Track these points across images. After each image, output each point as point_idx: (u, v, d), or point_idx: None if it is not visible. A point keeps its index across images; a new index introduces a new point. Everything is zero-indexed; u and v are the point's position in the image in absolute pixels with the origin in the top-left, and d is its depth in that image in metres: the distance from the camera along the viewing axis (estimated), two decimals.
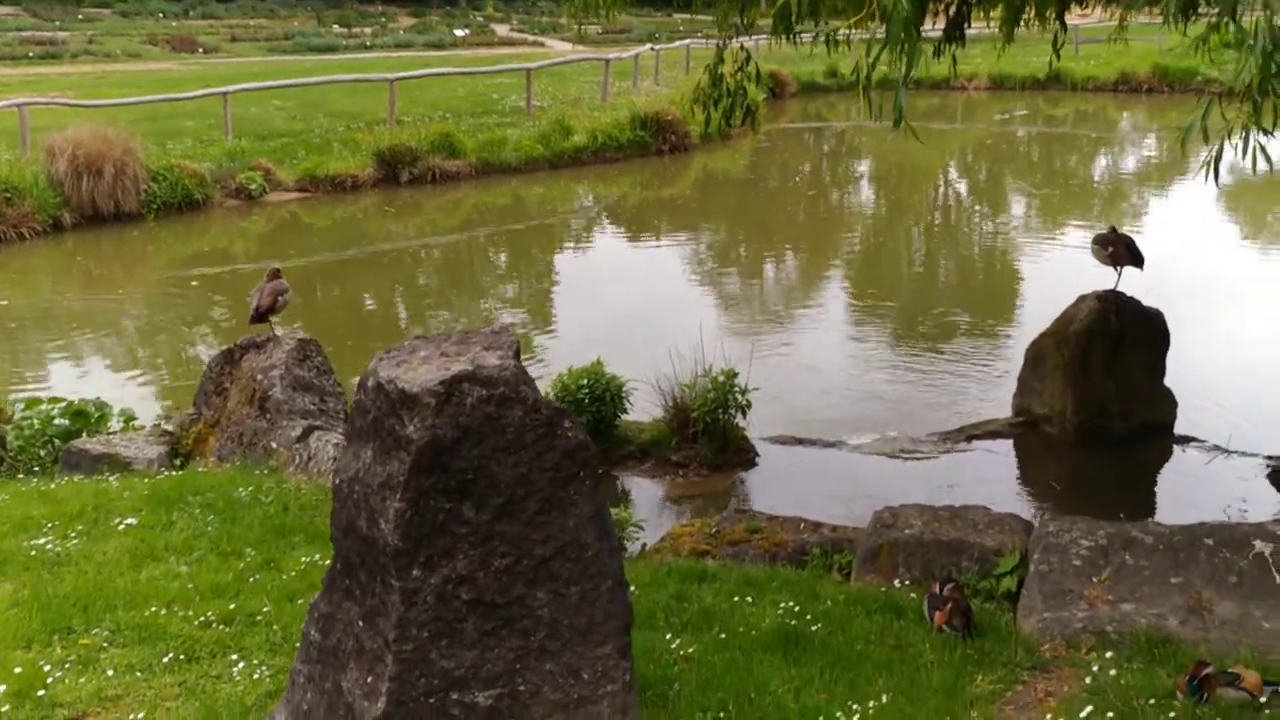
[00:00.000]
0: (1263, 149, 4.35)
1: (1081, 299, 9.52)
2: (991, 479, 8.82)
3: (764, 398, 9.24)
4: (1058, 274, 15.07)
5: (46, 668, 4.61)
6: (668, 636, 4.99)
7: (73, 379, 11.48)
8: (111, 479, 7.38)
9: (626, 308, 13.94)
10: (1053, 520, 5.71)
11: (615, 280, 15.86)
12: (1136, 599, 5.03)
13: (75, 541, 6.09)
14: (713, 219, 20.76)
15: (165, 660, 4.67)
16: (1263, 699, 4.23)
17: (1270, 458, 8.84)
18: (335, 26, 53.28)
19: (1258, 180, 20.10)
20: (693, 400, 9.00)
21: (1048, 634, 4.91)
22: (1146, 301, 9.38)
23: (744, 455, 9.02)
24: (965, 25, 9.28)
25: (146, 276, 16.47)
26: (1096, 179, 25.42)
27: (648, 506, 8.29)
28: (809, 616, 5.16)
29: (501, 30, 56.06)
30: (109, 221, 18.05)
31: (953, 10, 8.97)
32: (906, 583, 5.66)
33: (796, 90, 37.29)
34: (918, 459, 9.18)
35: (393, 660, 3.58)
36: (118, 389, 10.87)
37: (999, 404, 10.16)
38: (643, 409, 9.34)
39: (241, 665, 4.64)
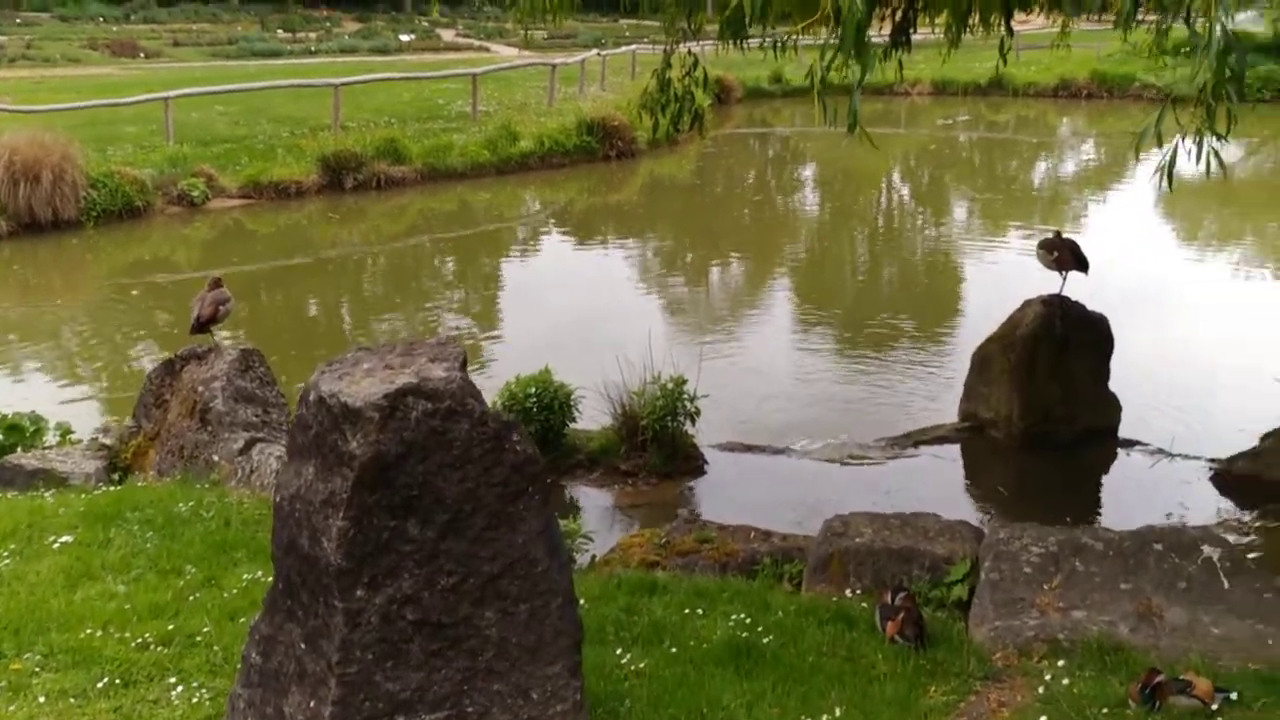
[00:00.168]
0: (1216, 153, 4.35)
1: (1027, 304, 9.56)
2: (939, 484, 8.84)
3: (712, 404, 9.19)
4: (1002, 278, 15.18)
5: None
6: (618, 651, 4.92)
7: (7, 392, 11.22)
8: (46, 495, 7.19)
9: (574, 314, 13.86)
10: (1003, 527, 5.71)
11: (563, 286, 15.77)
12: (1087, 606, 5.03)
13: (7, 561, 5.92)
14: (660, 225, 20.73)
15: (100, 685, 4.54)
16: (1214, 706, 4.23)
17: (1213, 461, 8.91)
18: (279, 31, 52.74)
19: (1195, 183, 20.38)
20: (641, 408, 8.94)
21: (1000, 643, 4.89)
22: (1090, 306, 9.44)
23: (693, 463, 8.97)
24: (911, 30, 9.31)
25: (85, 285, 16.17)
26: (1038, 184, 25.66)
27: (597, 516, 8.22)
28: (760, 628, 5.11)
29: (447, 35, 55.71)
30: (47, 229, 17.69)
31: (899, 15, 8.99)
32: (858, 592, 5.63)
33: (742, 96, 37.31)
34: (866, 465, 9.18)
35: (336, 683, 3.49)
36: (54, 402, 10.63)
37: (946, 409, 10.18)
38: (591, 417, 9.26)
39: (180, 689, 4.51)
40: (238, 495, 7.23)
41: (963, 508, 8.38)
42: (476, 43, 53.14)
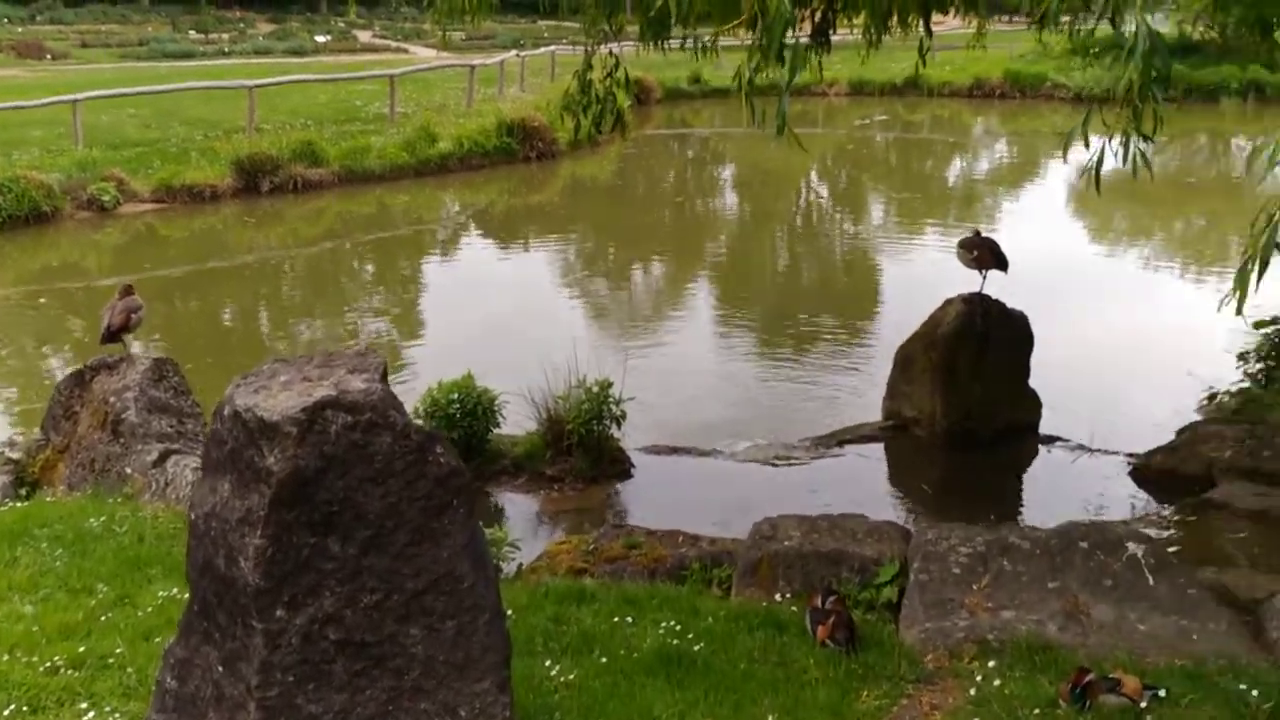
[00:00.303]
0: (1143, 155, 4.37)
1: (948, 302, 9.63)
2: (865, 484, 8.86)
3: (638, 407, 9.12)
4: (923, 276, 15.31)
5: None
6: (547, 663, 4.84)
7: None
8: None
9: (497, 318, 13.73)
10: (931, 528, 5.71)
11: (485, 290, 15.62)
12: (1016, 605, 5.04)
13: None
14: (581, 226, 20.64)
15: (6, 712, 4.36)
16: (1143, 704, 4.26)
17: (1131, 455, 9.03)
18: (191, 32, 51.76)
19: (1105, 182, 20.73)
20: (567, 412, 8.85)
21: (930, 644, 4.88)
22: (1009, 303, 9.53)
23: (619, 466, 8.90)
24: (830, 31, 9.33)
25: None
26: (954, 183, 25.97)
27: (523, 523, 8.12)
28: (691, 635, 5.06)
29: (364, 36, 55.09)
30: None
31: (818, 16, 9.00)
32: (787, 595, 5.60)
33: (661, 96, 37.33)
34: (792, 465, 9.17)
35: (255, 708, 3.37)
36: None
37: (870, 406, 10.22)
38: (516, 422, 9.16)
39: (92, 715, 4.35)
40: (152, 509, 7.03)
41: (889, 507, 8.42)
42: (394, 44, 52.64)
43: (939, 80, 37.23)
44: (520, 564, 6.77)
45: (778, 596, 5.59)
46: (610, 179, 25.37)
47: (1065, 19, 10.71)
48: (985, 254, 9.41)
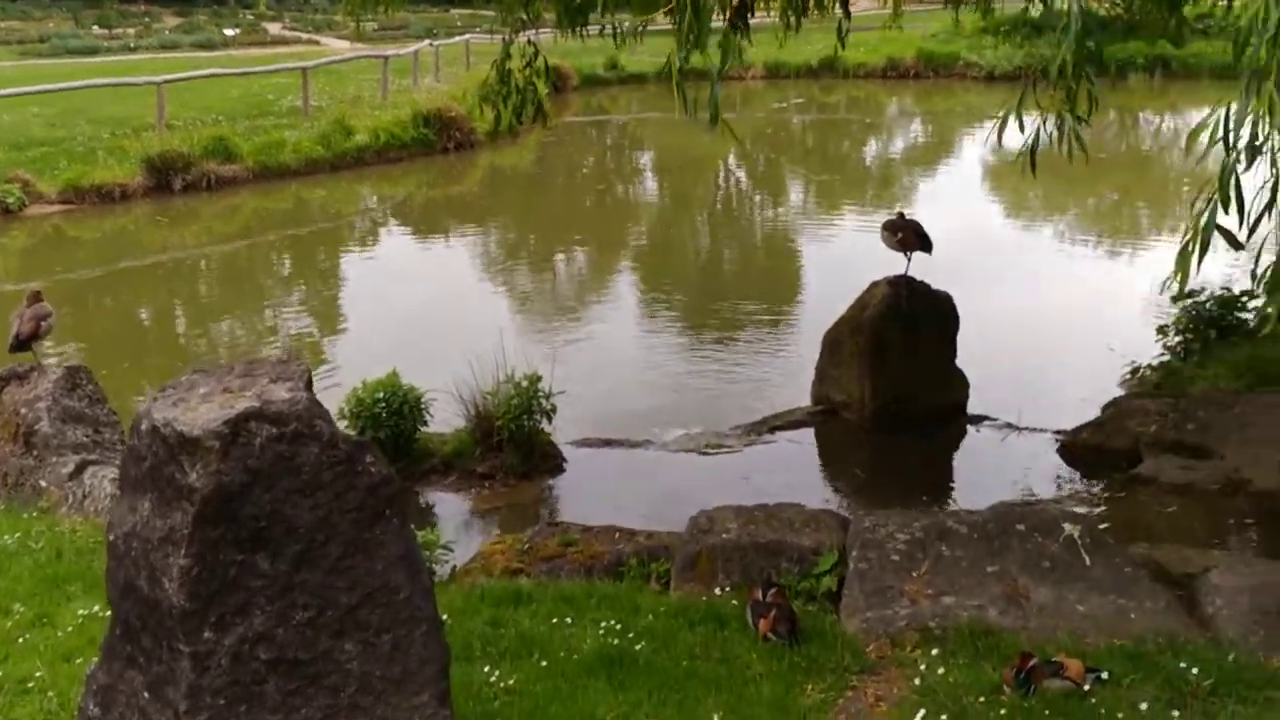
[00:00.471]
0: (1078, 136, 4.35)
1: (874, 285, 9.64)
2: (798, 470, 8.85)
3: (568, 399, 9.02)
4: (845, 258, 15.37)
5: None
6: (486, 668, 4.74)
7: None
8: None
9: (421, 312, 13.53)
10: (868, 515, 5.69)
11: (407, 284, 15.40)
12: (956, 591, 5.03)
13: None
14: (503, 216, 20.46)
15: None
16: (1086, 687, 4.26)
17: (1059, 432, 9.10)
18: (95, 28, 50.52)
19: (1021, 158, 20.94)
20: (496, 407, 8.73)
21: (872, 633, 4.85)
22: (931, 284, 9.56)
23: (551, 461, 8.80)
24: (749, 15, 9.27)
25: None
26: (874, 164, 26.12)
27: (455, 522, 7.99)
28: (631, 634, 4.98)
29: (274, 29, 54.17)
30: None
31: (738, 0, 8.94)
32: (727, 589, 5.54)
33: (578, 84, 37.18)
34: (724, 453, 9.13)
35: None
36: None
37: (799, 392, 10.21)
38: (444, 419, 9.02)
39: None
40: (70, 523, 6.81)
41: (823, 493, 8.41)
42: (305, 36, 51.83)
43: (854, 62, 37.42)
44: (454, 566, 6.65)
45: (717, 590, 5.53)
46: (530, 168, 25.20)
47: None
48: (909, 235, 9.43)
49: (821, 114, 33.94)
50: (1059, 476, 8.42)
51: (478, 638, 5.08)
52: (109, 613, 3.84)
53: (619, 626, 5.08)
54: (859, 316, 9.50)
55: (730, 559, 5.63)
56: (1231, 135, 3.32)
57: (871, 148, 28.11)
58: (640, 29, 6.02)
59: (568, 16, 8.15)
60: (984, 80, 36.72)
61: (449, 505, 8.33)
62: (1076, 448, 8.70)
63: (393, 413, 8.54)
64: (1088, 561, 5.14)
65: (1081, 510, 7.06)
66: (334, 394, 9.01)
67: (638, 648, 4.85)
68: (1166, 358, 10.59)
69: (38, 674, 4.71)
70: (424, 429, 8.86)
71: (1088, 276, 14.91)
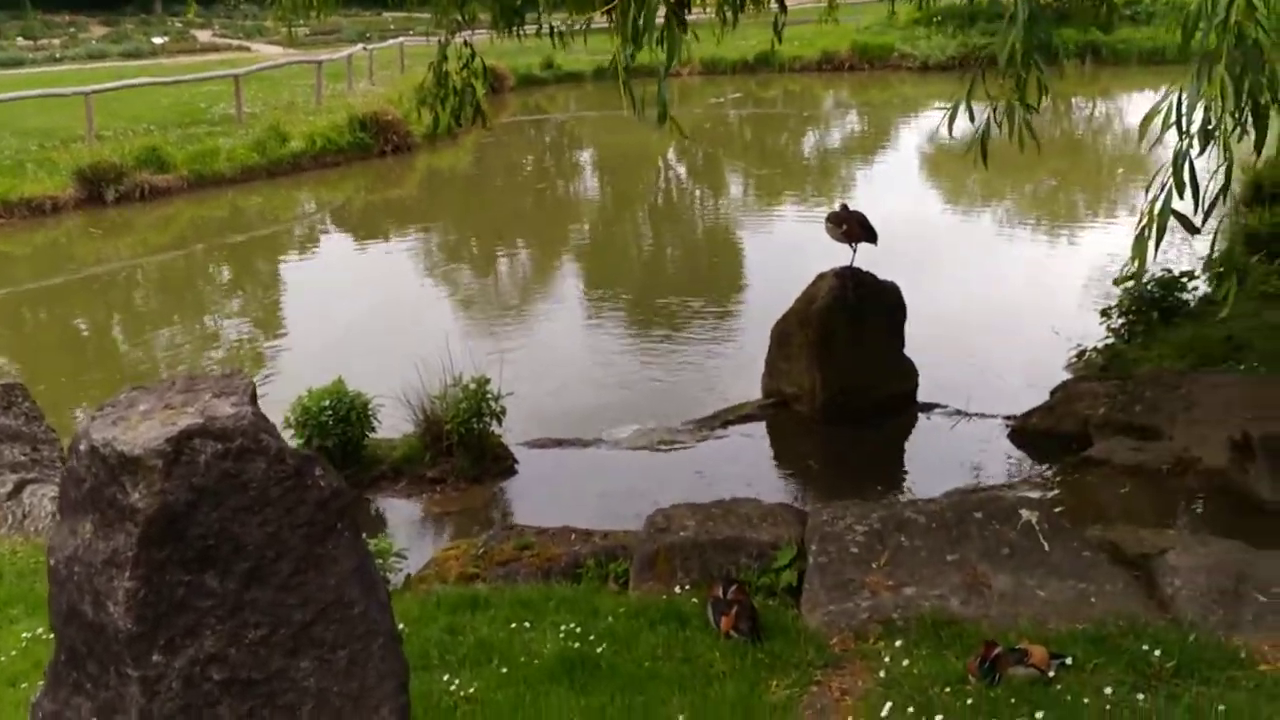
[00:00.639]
0: (1028, 125, 4.33)
1: (820, 277, 9.64)
2: (751, 464, 8.82)
3: (517, 400, 8.93)
4: (788, 251, 15.38)
5: None
6: (445, 677, 4.65)
7: None
8: None
9: (364, 318, 13.36)
10: (825, 508, 5.66)
11: (349, 290, 15.20)
12: (917, 581, 5.01)
13: None
14: (443, 218, 20.30)
15: None
16: (1051, 673, 4.25)
17: (1008, 418, 9.14)
18: (19, 39, 49.53)
19: (959, 147, 21.09)
20: (444, 411, 8.63)
21: (835, 627, 4.82)
22: (877, 274, 9.58)
23: (503, 464, 8.71)
24: (687, 10, 9.23)
25: None
26: (811, 156, 26.20)
27: (407, 529, 7.88)
28: (592, 637, 4.91)
29: (203, 36, 53.41)
30: None
31: None
32: (686, 587, 5.49)
33: (515, 84, 37.01)
34: (677, 449, 9.09)
35: None
36: None
37: (748, 385, 10.18)
38: (392, 425, 8.91)
39: None
40: (10, 543, 6.65)
41: (778, 486, 8.40)
42: (236, 42, 51.17)
43: (789, 56, 37.54)
44: (408, 574, 6.54)
45: (677, 588, 5.48)
46: (469, 169, 25.03)
47: None
48: (854, 227, 9.44)
49: (759, 108, 34.00)
50: (1011, 461, 8.45)
51: (435, 646, 4.99)
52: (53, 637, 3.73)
53: (579, 629, 5.01)
54: (807, 309, 9.49)
55: (689, 557, 5.57)
56: (1184, 120, 3.31)
57: (810, 140, 28.21)
58: (585, 27, 5.94)
59: (504, 17, 8.07)
60: (919, 71, 37.00)
61: (400, 511, 8.23)
62: (1027, 432, 8.75)
63: (339, 420, 8.42)
64: (1046, 547, 5.14)
65: (1035, 494, 7.08)
66: (278, 404, 8.85)
67: (599, 650, 4.78)
68: (1111, 340, 10.69)
69: None
70: (372, 435, 8.75)
71: (1029, 261, 15.04)
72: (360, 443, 8.63)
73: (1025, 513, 5.24)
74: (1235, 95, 3.10)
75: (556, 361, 11.39)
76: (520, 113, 34.05)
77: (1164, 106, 3.36)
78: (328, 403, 8.43)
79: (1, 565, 6.21)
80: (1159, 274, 10.63)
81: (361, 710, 3.44)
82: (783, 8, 9.26)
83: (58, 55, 44.69)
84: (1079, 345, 10.74)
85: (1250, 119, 3.31)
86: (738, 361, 11.05)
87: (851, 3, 37.42)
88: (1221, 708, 4.03)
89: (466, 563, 6.30)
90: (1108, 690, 4.17)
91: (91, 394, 10.98)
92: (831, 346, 9.34)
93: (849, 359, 9.37)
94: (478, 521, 7.87)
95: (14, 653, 5.09)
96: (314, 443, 8.29)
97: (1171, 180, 3.34)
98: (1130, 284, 10.82)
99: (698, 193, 22.88)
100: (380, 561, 6.27)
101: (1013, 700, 4.16)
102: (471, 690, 4.52)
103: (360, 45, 35.58)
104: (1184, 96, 3.30)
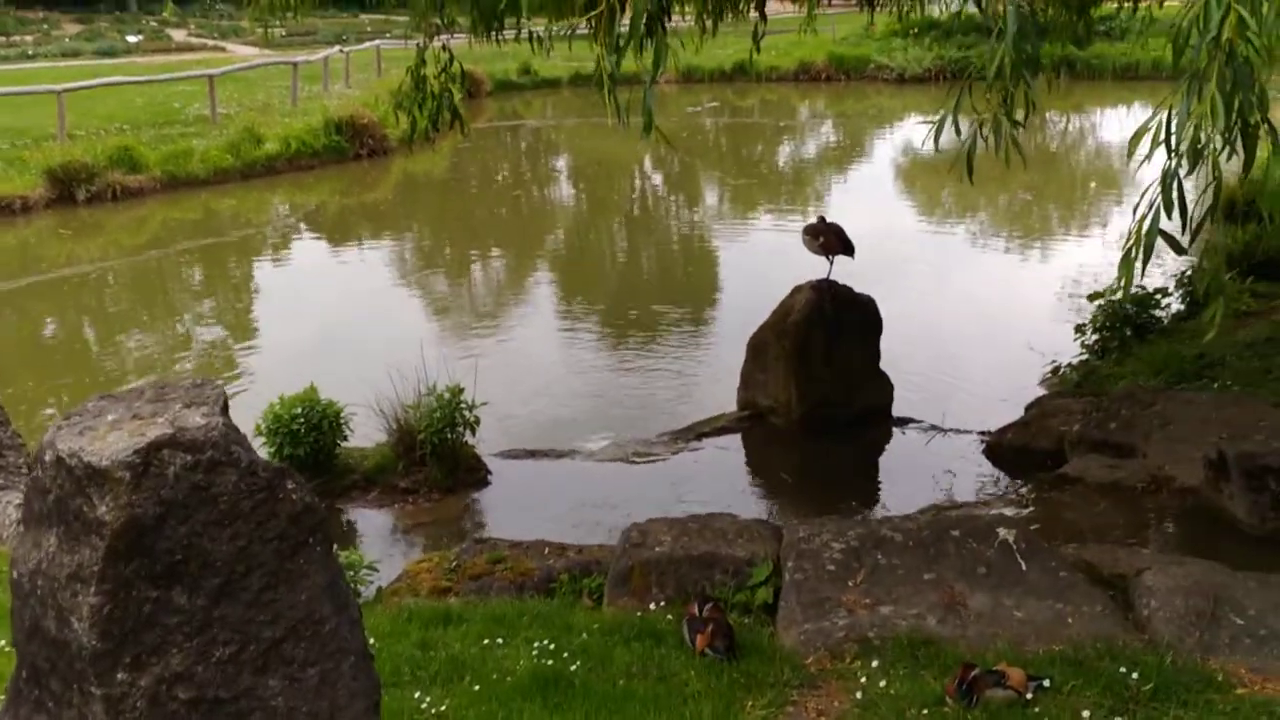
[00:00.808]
0: (1014, 140, 4.30)
1: (797, 289, 9.61)
2: (727, 477, 8.77)
3: (491, 410, 8.86)
4: (763, 262, 15.40)
5: None
6: (416, 694, 4.57)
7: None
8: None
9: (337, 323, 13.27)
10: (802, 524, 5.61)
11: (323, 294, 15.11)
12: (894, 600, 4.96)
13: None
14: (419, 224, 20.21)
15: None
16: (1029, 696, 4.21)
17: (984, 433, 9.14)
18: None
19: (932, 160, 21.13)
20: (417, 421, 8.54)
21: (811, 646, 4.76)
22: (852, 286, 9.56)
23: (476, 474, 8.63)
24: (666, 19, 9.19)
25: None
26: (788, 167, 26.23)
27: (379, 540, 7.79)
28: (566, 654, 4.84)
29: (179, 35, 53.12)
30: None
31: (653, 4, 8.85)
32: (661, 604, 5.42)
33: (492, 89, 36.96)
34: (652, 462, 9.03)
35: None
36: None
37: (723, 396, 10.14)
38: (365, 434, 8.82)
39: None
40: None
41: (753, 500, 8.35)
42: (211, 42, 50.92)
43: (766, 65, 37.69)
44: (379, 586, 6.45)
45: (652, 605, 5.41)
46: (445, 174, 24.93)
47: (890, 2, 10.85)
48: (831, 239, 9.42)
49: (735, 117, 34.07)
50: (986, 477, 8.43)
51: (406, 662, 4.91)
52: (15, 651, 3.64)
53: (552, 646, 4.94)
54: (783, 321, 9.46)
55: (664, 573, 5.51)
56: (1174, 139, 3.28)
57: (786, 151, 28.25)
58: (571, 33, 5.88)
59: (483, 21, 8.01)
60: (895, 82, 37.19)
61: (372, 522, 8.13)
62: (1002, 448, 8.73)
63: (311, 428, 8.32)
64: (1023, 566, 5.11)
65: (1011, 512, 7.06)
66: (250, 411, 8.75)
67: (573, 668, 4.72)
68: (1085, 356, 10.72)
69: None
70: (344, 444, 8.65)
71: (1004, 275, 15.10)
72: (332, 452, 8.53)
73: (1002, 531, 5.21)
74: (1226, 114, 3.07)
75: (531, 371, 11.32)
76: (497, 118, 33.99)
77: (1153, 124, 3.33)
78: (299, 410, 8.33)
79: None
80: (1133, 291, 10.66)
81: None
82: (762, 16, 9.24)
83: (30, 52, 44.36)
84: (1053, 361, 10.77)
85: (1240, 138, 3.29)
86: (713, 373, 11.02)
87: (828, 13, 37.58)
88: None
89: (439, 576, 6.22)
90: (1085, 714, 4.13)
91: (61, 398, 10.84)
92: (807, 359, 9.31)
93: (825, 372, 9.35)
94: (450, 533, 7.79)
95: None
96: (285, 451, 8.19)
97: (1160, 199, 3.31)
98: (1104, 300, 10.85)
99: (674, 202, 22.87)
100: (352, 574, 6.20)
101: None
102: (443, 708, 4.44)
103: (337, 47, 35.44)
104: (1174, 115, 3.27)
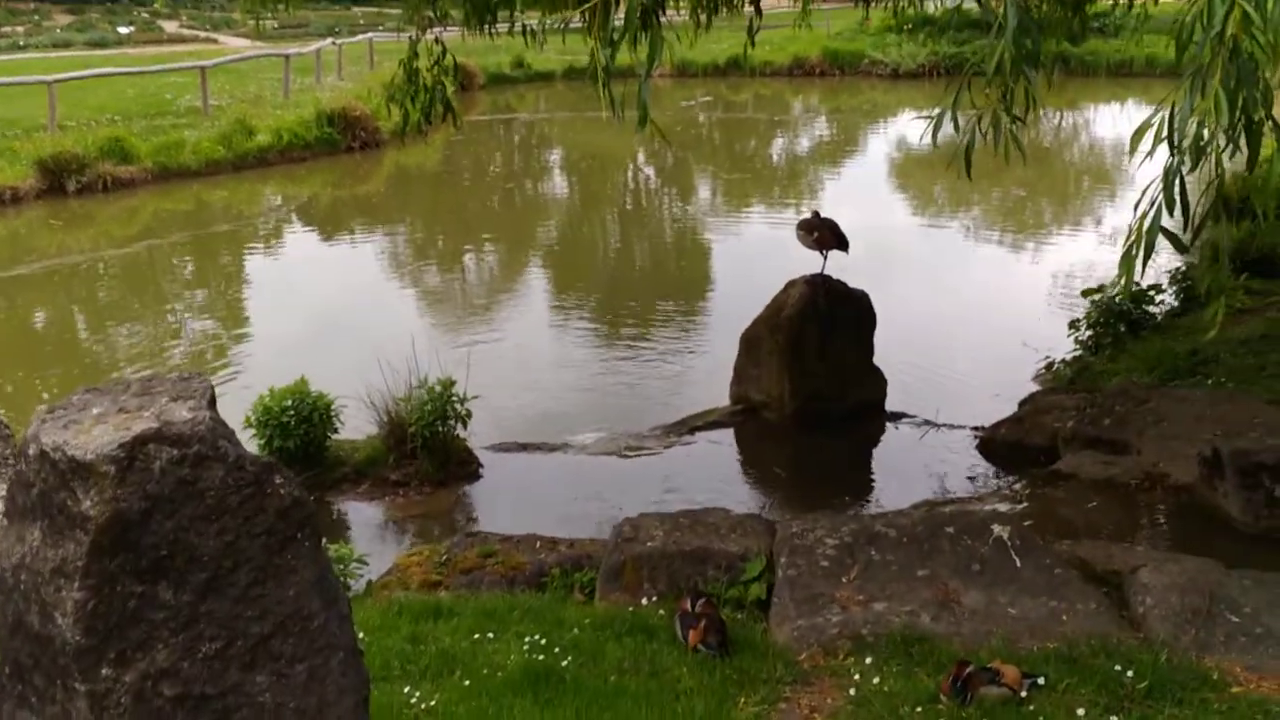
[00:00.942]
0: (1014, 137, 4.26)
1: (791, 284, 9.58)
2: (719, 471, 8.74)
3: (482, 403, 8.82)
4: (756, 256, 15.37)
5: None
6: (405, 689, 4.54)
7: None
8: None
9: (329, 315, 13.21)
10: (795, 519, 5.58)
11: (314, 286, 15.05)
12: (888, 596, 4.93)
13: None
14: (411, 216, 20.14)
15: None
16: (1023, 693, 4.18)
17: (977, 429, 9.11)
18: None
19: (926, 154, 21.09)
20: (409, 413, 8.50)
21: (804, 642, 4.73)
22: (844, 280, 9.53)
23: (468, 467, 8.59)
24: (661, 13, 9.14)
25: None
26: (781, 161, 26.19)
27: (369, 533, 7.75)
28: (557, 649, 4.81)
29: (170, 27, 52.97)
30: None
31: None
32: (653, 599, 5.39)
33: (485, 82, 36.88)
34: (644, 455, 8.99)
35: None
36: None
37: (716, 390, 10.10)
38: (355, 426, 8.77)
39: None
40: None
41: (745, 494, 8.32)
42: (203, 34, 50.77)
43: (760, 60, 37.63)
44: (369, 580, 6.41)
45: (644, 600, 5.38)
46: (437, 167, 24.86)
47: None
48: (826, 234, 9.38)
49: (729, 112, 34.01)
50: (979, 473, 8.40)
51: (396, 656, 4.88)
52: None
53: (544, 641, 4.91)
54: (776, 315, 9.43)
55: (656, 567, 5.48)
56: (1176, 135, 3.24)
57: (780, 145, 28.21)
58: (564, 26, 5.84)
59: (476, 14, 7.96)
60: (889, 78, 37.15)
61: (362, 515, 8.09)
62: (995, 444, 8.70)
63: (302, 420, 8.27)
64: (1018, 563, 5.08)
65: (1004, 508, 7.03)
66: (240, 403, 8.71)
67: (564, 663, 4.68)
68: (1079, 352, 10.69)
69: None
70: (335, 437, 8.61)
71: (997, 270, 15.07)
72: (322, 444, 8.49)
73: (997, 528, 5.18)
74: (1230, 110, 3.03)
75: (523, 364, 11.27)
76: (490, 111, 33.91)
77: (1155, 121, 3.29)
78: (290, 402, 8.28)
79: None
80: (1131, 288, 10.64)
81: None
82: (758, 11, 9.21)
83: (21, 43, 44.20)
84: (1047, 356, 10.75)
85: (1244, 135, 3.25)
86: (706, 367, 10.98)
87: (823, 9, 37.54)
88: None
89: (429, 569, 6.18)
90: (1080, 711, 4.11)
91: (51, 388, 10.78)
92: (801, 354, 9.28)
93: (818, 366, 9.32)
94: (441, 526, 7.75)
95: None
96: (275, 443, 8.15)
97: (1161, 197, 3.27)
98: (1097, 296, 10.83)
99: (667, 195, 22.82)
100: (341, 567, 6.16)
101: None
102: (433, 703, 4.41)
103: (329, 40, 35.33)
104: (1176, 111, 3.23)
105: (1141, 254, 3.35)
